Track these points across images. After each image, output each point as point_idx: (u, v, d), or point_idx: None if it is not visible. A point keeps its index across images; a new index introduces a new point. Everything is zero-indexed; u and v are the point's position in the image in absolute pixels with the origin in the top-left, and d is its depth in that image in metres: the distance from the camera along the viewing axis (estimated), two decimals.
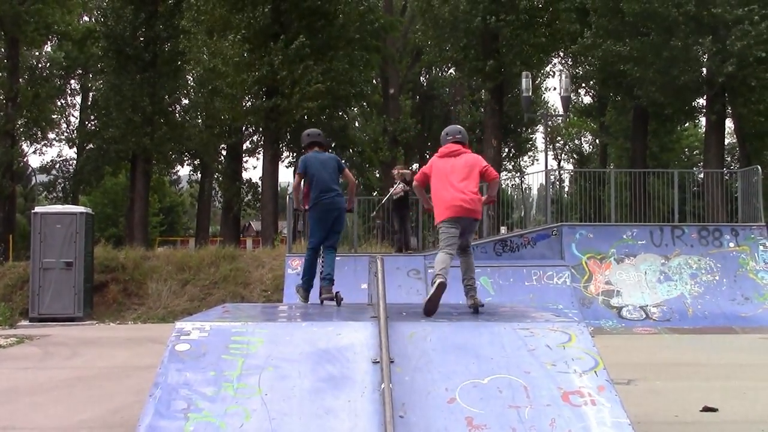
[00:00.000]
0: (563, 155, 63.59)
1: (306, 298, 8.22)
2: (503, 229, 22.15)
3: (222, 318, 5.49)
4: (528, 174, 53.62)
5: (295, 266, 17.77)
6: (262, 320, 5.73)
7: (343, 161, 9.28)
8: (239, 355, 4.76)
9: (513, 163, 55.47)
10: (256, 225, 65.35)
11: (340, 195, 8.18)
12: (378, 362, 4.65)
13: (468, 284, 7.13)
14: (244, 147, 40.23)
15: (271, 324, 5.43)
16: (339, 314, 6.52)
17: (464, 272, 7.19)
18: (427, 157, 52.42)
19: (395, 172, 18.92)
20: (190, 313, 16.96)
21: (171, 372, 4.62)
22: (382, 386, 4.32)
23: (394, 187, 18.27)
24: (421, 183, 7.41)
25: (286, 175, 44.05)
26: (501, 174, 33.04)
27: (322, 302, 7.86)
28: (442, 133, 7.42)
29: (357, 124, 47.68)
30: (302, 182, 8.23)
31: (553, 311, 6.68)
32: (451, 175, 6.96)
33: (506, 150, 47.83)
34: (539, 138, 55.89)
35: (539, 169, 52.12)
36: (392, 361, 4.62)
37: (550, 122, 45.91)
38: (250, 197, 40.60)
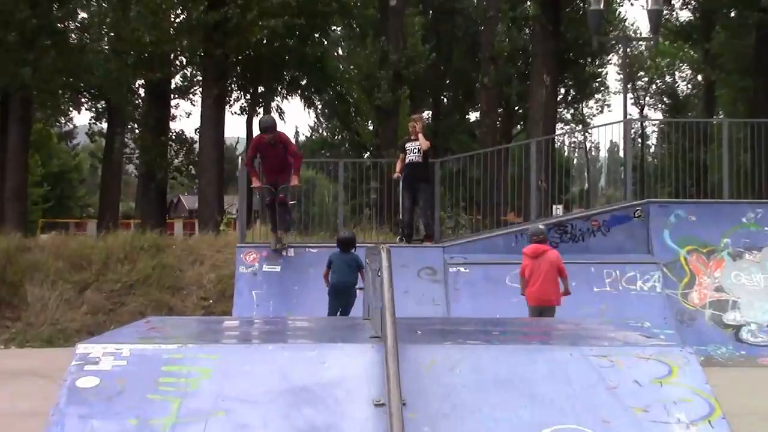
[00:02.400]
0: (648, 99, 63.84)
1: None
2: (558, 209, 22.10)
3: (147, 338, 5.48)
4: (595, 127, 53.61)
5: (250, 262, 17.76)
6: (208, 341, 5.73)
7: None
8: (174, 394, 4.76)
9: (573, 111, 55.60)
10: (189, 201, 65.53)
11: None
12: (382, 404, 4.66)
13: None
14: (174, 84, 40.19)
15: (222, 347, 5.44)
16: (323, 332, 6.51)
17: None
18: (443, 100, 52.75)
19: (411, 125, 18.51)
20: (92, 332, 16.97)
21: (70, 420, 4.61)
22: None
23: (410, 149, 17.95)
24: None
25: (235, 128, 44.08)
26: (557, 127, 32.92)
27: None
28: (529, 232, 14.74)
29: (341, 52, 47.73)
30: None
31: (638, 330, 6.67)
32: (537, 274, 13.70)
33: (563, 91, 47.91)
34: (612, 73, 55.95)
35: (612, 120, 52.30)
36: (404, 404, 4.60)
37: (629, 49, 45.93)
38: (181, 159, 40.59)
